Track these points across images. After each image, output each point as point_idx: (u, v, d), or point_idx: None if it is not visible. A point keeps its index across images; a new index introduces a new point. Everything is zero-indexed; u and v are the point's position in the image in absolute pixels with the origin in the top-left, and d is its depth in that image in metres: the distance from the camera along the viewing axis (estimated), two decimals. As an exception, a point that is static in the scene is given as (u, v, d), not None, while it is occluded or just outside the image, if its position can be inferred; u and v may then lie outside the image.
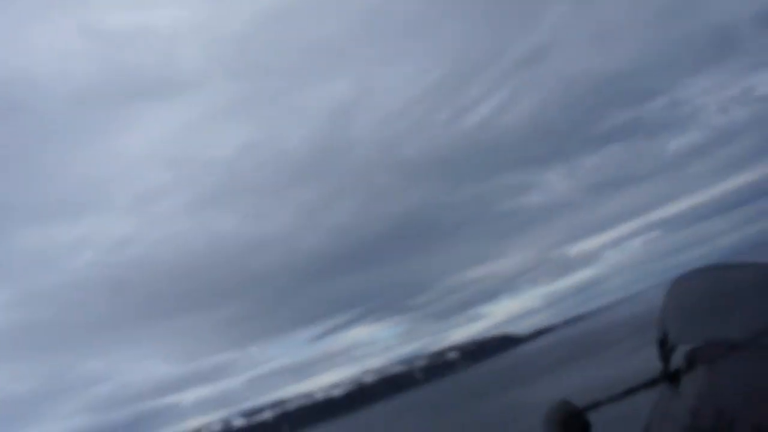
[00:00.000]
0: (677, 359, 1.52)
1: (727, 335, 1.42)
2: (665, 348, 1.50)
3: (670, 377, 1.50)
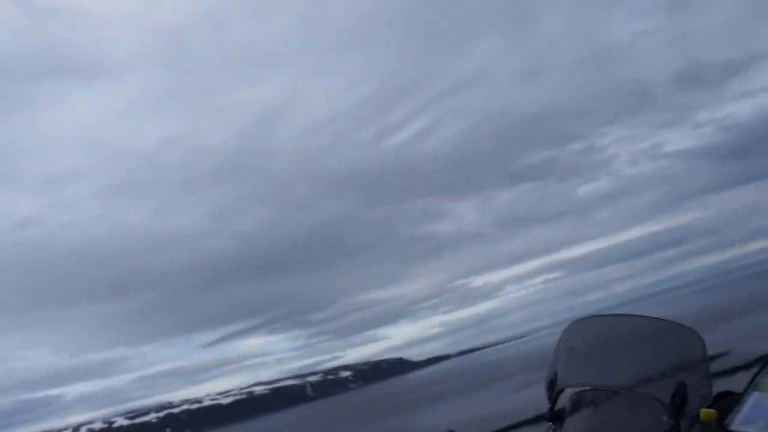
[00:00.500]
0: (563, 401, 1.59)
1: (610, 382, 1.50)
2: (553, 389, 1.57)
3: (555, 417, 1.57)
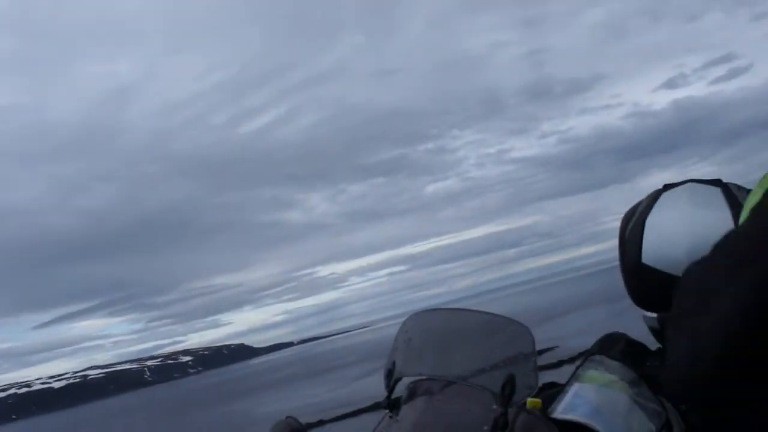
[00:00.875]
0: (401, 390, 1.63)
1: (445, 372, 1.56)
2: (391, 378, 1.60)
3: (392, 405, 1.60)
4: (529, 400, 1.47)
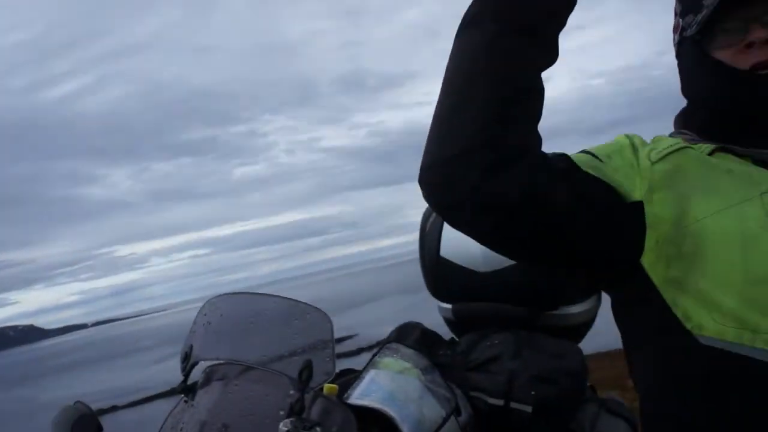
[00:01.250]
0: (198, 374, 1.60)
1: (243, 357, 1.55)
2: (188, 362, 1.57)
3: (188, 390, 1.57)
4: (326, 385, 1.48)
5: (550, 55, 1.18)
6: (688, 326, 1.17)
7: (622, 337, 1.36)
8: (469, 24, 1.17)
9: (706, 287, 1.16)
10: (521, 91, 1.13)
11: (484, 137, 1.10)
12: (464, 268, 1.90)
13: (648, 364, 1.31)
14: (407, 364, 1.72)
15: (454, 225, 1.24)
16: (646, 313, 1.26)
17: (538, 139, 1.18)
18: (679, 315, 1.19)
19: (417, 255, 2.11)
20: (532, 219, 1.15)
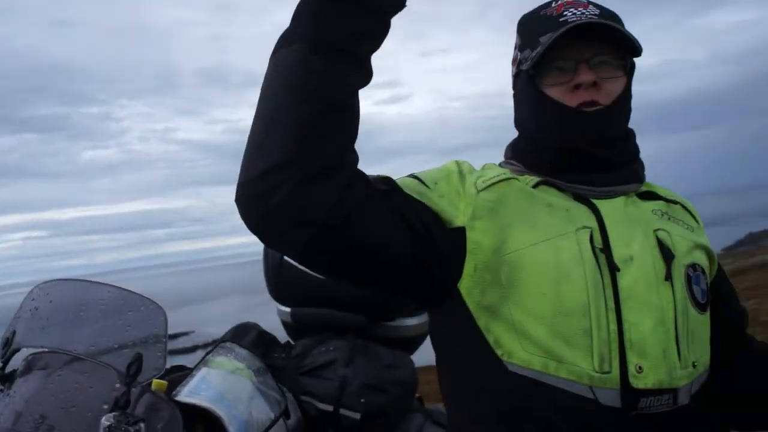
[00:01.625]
0: (18, 362, 1.53)
1: (70, 346, 1.50)
2: (8, 348, 1.50)
3: (6, 378, 1.50)
4: (155, 381, 1.46)
5: (360, 74, 1.19)
6: (499, 353, 1.23)
7: (436, 355, 1.41)
8: (282, 43, 1.17)
9: (519, 317, 1.23)
10: (331, 108, 1.13)
11: (294, 153, 1.10)
12: (307, 273, 1.92)
13: (455, 385, 1.36)
14: (240, 365, 1.72)
15: (268, 243, 1.24)
16: (459, 337, 1.31)
17: (353, 157, 1.19)
18: (490, 341, 1.25)
19: (261, 256, 2.11)
20: (345, 237, 1.16)
